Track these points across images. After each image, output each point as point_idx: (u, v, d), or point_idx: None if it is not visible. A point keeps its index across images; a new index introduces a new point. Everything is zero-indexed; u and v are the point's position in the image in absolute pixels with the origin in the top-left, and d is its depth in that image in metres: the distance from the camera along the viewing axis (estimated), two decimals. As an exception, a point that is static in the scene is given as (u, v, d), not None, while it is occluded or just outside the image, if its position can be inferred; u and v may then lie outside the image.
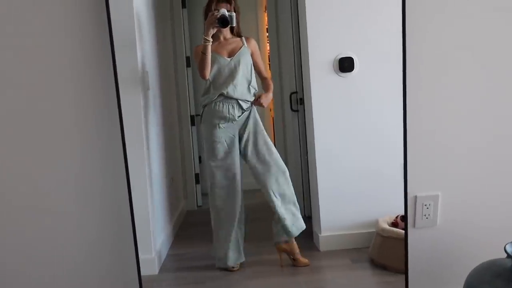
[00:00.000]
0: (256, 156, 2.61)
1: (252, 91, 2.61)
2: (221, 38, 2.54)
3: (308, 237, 2.70)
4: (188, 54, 3.52)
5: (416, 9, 2.07)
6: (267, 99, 2.62)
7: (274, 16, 3.41)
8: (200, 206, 3.55)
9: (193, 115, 3.56)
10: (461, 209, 2.32)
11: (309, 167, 2.75)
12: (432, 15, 2.14)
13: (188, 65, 3.53)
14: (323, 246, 2.58)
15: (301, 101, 2.88)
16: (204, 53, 2.44)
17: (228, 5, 2.47)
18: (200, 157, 3.73)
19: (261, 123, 2.66)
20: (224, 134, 2.62)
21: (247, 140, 2.62)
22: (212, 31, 2.41)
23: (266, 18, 3.57)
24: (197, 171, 3.59)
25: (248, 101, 2.56)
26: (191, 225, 3.15)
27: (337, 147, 2.50)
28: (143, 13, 2.62)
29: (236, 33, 2.57)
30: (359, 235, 2.54)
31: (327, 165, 2.54)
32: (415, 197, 2.26)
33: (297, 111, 2.92)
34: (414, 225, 2.25)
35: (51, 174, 2.24)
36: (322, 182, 2.56)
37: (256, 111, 2.63)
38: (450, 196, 2.28)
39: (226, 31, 2.54)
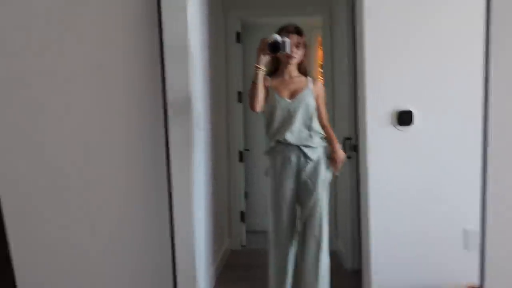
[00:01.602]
0: (303, 220, 2.30)
1: (316, 137, 2.26)
2: (286, 76, 2.27)
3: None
4: (240, 89, 3.44)
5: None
6: (339, 157, 2.29)
7: (330, 54, 3.28)
8: (244, 246, 3.43)
9: (242, 151, 3.47)
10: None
11: (361, 221, 2.57)
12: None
13: (239, 100, 3.44)
14: (371, 307, 2.38)
15: (355, 148, 2.72)
16: (254, 82, 2.13)
17: (296, 36, 2.22)
18: (246, 193, 3.63)
19: (323, 180, 2.27)
20: (286, 183, 2.28)
21: (301, 197, 2.30)
22: (264, 58, 2.09)
23: (321, 54, 3.44)
24: (243, 208, 3.48)
25: (311, 146, 2.25)
26: (235, 266, 3.02)
27: (393, 202, 2.29)
28: (197, 51, 2.51)
29: (303, 71, 2.29)
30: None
31: (381, 222, 2.33)
32: None
33: (350, 157, 2.76)
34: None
35: (93, 212, 2.14)
36: (375, 236, 2.34)
37: (322, 163, 2.27)
38: None
39: (293, 69, 2.27)
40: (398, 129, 2.22)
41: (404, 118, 2.21)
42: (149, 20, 2.05)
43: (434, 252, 2.23)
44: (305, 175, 2.24)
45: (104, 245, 2.16)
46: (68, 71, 2.10)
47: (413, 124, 2.21)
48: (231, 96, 3.41)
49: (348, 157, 2.69)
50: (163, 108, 2.04)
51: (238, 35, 3.44)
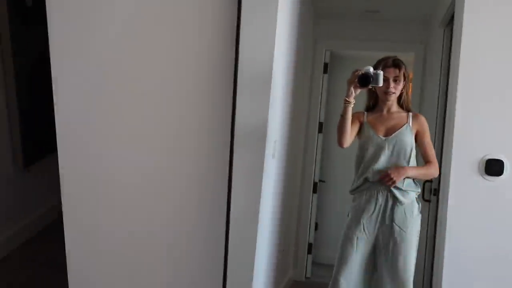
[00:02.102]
0: (384, 270, 2.11)
1: (409, 179, 2.09)
2: (384, 111, 2.13)
3: None
4: (322, 120, 3.37)
5: None
6: (399, 174, 2.07)
7: (419, 93, 3.14)
8: (308, 277, 3.33)
9: (316, 182, 3.39)
10: None
11: (433, 270, 2.40)
12: None
13: (320, 131, 3.38)
14: None
15: (435, 191, 2.56)
16: (342, 115, 2.03)
17: (397, 70, 2.09)
18: (316, 224, 3.54)
19: (411, 230, 2.09)
20: (365, 221, 2.12)
21: (384, 245, 2.11)
22: (354, 91, 1.98)
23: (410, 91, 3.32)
24: (311, 240, 3.39)
25: (402, 189, 2.08)
26: (297, 300, 2.93)
27: (470, 261, 2.12)
28: (280, 79, 2.49)
29: (404, 106, 2.15)
30: None
31: (455, 273, 2.16)
32: None
33: (429, 201, 2.60)
34: None
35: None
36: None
37: (415, 210, 2.12)
38: None
39: (393, 104, 2.14)
40: (485, 179, 2.06)
41: (493, 167, 2.06)
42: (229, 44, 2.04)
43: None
44: (391, 219, 2.07)
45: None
46: (142, 85, 2.13)
47: (503, 174, 2.05)
48: (312, 126, 3.36)
49: (427, 200, 2.53)
50: (230, 134, 2.03)
51: (325, 66, 3.39)
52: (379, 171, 2.07)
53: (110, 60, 2.11)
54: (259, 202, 2.16)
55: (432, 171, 2.10)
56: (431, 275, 2.40)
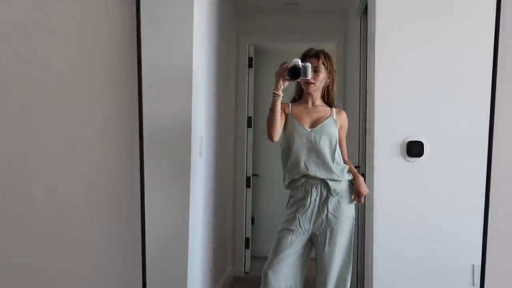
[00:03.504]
0: (323, 260, 2.04)
1: (339, 169, 2.04)
2: (309, 104, 2.07)
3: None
4: (250, 115, 3.36)
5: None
6: (364, 192, 2.06)
7: (342, 81, 3.18)
8: (247, 272, 3.31)
9: (249, 176, 3.37)
10: None
11: (365, 248, 2.44)
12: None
13: (249, 125, 3.36)
14: None
15: (363, 177, 2.60)
16: (271, 109, 1.96)
17: (316, 60, 2.03)
18: (253, 219, 3.52)
19: (346, 217, 2.04)
20: (302, 224, 2.04)
21: (321, 236, 2.05)
22: (282, 84, 1.91)
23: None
24: (248, 235, 3.37)
25: (335, 180, 2.03)
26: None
27: (399, 236, 2.15)
28: (203, 71, 2.44)
29: (329, 101, 2.11)
30: None
31: (385, 250, 2.19)
32: None
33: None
34: None
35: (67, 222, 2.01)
36: (378, 268, 2.21)
37: (345, 196, 2.05)
38: None
39: (317, 97, 2.08)
40: (407, 160, 2.10)
41: (414, 149, 2.10)
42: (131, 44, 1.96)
43: (438, 285, 2.08)
44: (325, 210, 2.04)
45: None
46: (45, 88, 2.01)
47: (423, 155, 2.09)
48: (241, 121, 3.33)
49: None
50: (139, 136, 1.92)
51: (250, 60, 3.37)
52: (311, 164, 2.05)
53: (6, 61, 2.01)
54: (188, 201, 2.10)
55: (354, 168, 2.12)
56: (363, 252, 2.44)
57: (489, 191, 1.72)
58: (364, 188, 2.06)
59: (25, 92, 2.02)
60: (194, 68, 2.10)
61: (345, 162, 2.10)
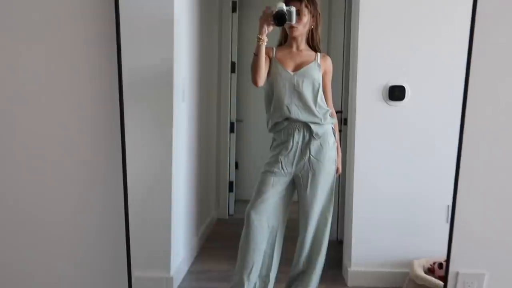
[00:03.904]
0: (305, 201, 2.14)
1: (322, 112, 2.08)
2: (294, 48, 2.10)
3: (336, 267, 2.45)
4: (234, 59, 3.32)
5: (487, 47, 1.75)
6: (339, 169, 2.17)
7: (327, 26, 3.16)
8: (231, 215, 3.37)
9: (233, 122, 3.37)
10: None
11: (346, 192, 2.51)
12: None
13: (232, 70, 3.33)
14: (351, 282, 2.32)
15: (345, 121, 2.63)
16: (256, 54, 1.98)
17: (298, 4, 2.02)
18: (236, 163, 3.55)
19: (328, 160, 2.12)
20: (285, 166, 2.10)
21: (303, 178, 2.12)
22: (267, 29, 1.93)
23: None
24: (232, 179, 3.41)
25: (317, 123, 2.08)
26: (220, 236, 2.96)
27: (378, 178, 2.24)
28: (185, 17, 2.40)
29: (313, 45, 2.11)
30: (391, 274, 2.26)
31: (365, 194, 2.28)
32: (457, 273, 1.87)
33: (340, 131, 2.67)
34: (452, 304, 1.84)
35: (45, 174, 1.94)
36: (358, 211, 2.30)
37: (327, 139, 2.11)
38: (499, 278, 1.87)
39: (302, 41, 2.10)
40: (388, 104, 2.13)
41: (396, 93, 2.13)
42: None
43: (416, 225, 2.18)
44: (309, 153, 2.09)
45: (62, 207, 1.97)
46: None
47: (404, 99, 2.13)
48: (224, 66, 3.30)
49: (339, 131, 2.60)
50: (118, 81, 1.84)
51: (234, 4, 3.30)
52: (294, 107, 2.07)
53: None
54: (171, 145, 2.12)
55: (335, 118, 2.16)
56: (344, 196, 2.51)
57: (462, 136, 1.76)
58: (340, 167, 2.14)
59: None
60: (176, 12, 2.08)
61: (330, 110, 2.13)
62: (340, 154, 2.13)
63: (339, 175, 2.22)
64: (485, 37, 1.72)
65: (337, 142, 2.13)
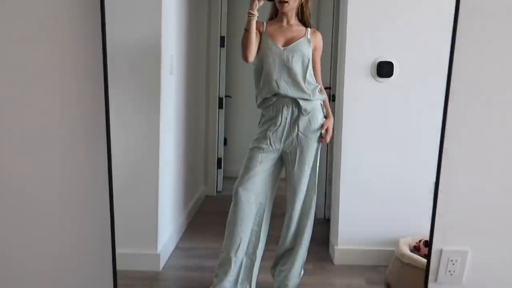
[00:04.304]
0: (293, 178, 2.13)
1: (311, 88, 2.06)
2: (284, 23, 2.07)
3: (323, 245, 2.45)
4: (223, 34, 3.27)
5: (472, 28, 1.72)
6: (330, 130, 2.12)
7: (317, 1, 3.11)
8: (220, 191, 3.36)
9: (222, 97, 3.34)
10: (494, 270, 1.92)
11: (333, 168, 2.50)
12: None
13: (222, 45, 3.28)
14: (338, 260, 2.33)
15: (334, 97, 2.61)
16: (246, 29, 1.96)
17: None
18: (225, 139, 3.53)
19: (316, 136, 2.11)
20: (273, 142, 2.09)
21: (291, 154, 2.11)
22: (258, 3, 1.91)
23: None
24: (220, 155, 3.39)
25: (306, 99, 2.05)
26: (208, 213, 2.96)
27: (365, 154, 2.22)
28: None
29: (304, 20, 2.09)
30: (377, 252, 2.27)
31: (352, 170, 2.27)
32: (441, 250, 1.86)
33: (329, 107, 2.65)
34: (435, 280, 1.87)
35: (32, 155, 1.89)
36: (345, 187, 2.30)
37: (316, 115, 2.10)
38: (482, 254, 1.88)
39: (292, 16, 2.07)
40: (377, 80, 2.11)
41: (384, 69, 2.10)
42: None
43: (403, 203, 2.18)
44: (297, 129, 2.08)
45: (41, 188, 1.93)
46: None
47: (392, 76, 2.11)
48: (213, 40, 3.25)
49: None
50: (102, 55, 1.77)
51: (223, -22, 3.24)
52: (283, 82, 2.05)
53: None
54: (158, 119, 2.10)
55: (326, 95, 2.14)
56: (332, 173, 2.50)
57: (446, 113, 1.75)
58: (331, 121, 2.11)
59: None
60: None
61: (318, 84, 2.10)
62: (332, 120, 2.12)
63: (327, 144, 2.21)
64: (470, 11, 1.69)
65: (330, 113, 2.12)
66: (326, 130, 2.10)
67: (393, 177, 2.19)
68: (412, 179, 2.17)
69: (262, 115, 2.13)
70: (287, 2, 2.04)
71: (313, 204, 2.13)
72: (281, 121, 2.06)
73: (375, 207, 2.24)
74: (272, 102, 2.07)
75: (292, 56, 2.04)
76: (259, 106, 2.13)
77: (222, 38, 3.25)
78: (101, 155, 1.84)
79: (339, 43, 2.24)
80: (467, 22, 1.70)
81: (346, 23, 2.10)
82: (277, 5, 2.07)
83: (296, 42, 2.05)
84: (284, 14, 2.08)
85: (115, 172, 1.85)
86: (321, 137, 2.10)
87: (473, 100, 1.79)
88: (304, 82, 2.06)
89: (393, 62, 2.09)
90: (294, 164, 2.10)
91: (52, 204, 1.91)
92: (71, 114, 1.86)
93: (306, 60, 2.06)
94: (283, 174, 2.21)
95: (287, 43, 2.06)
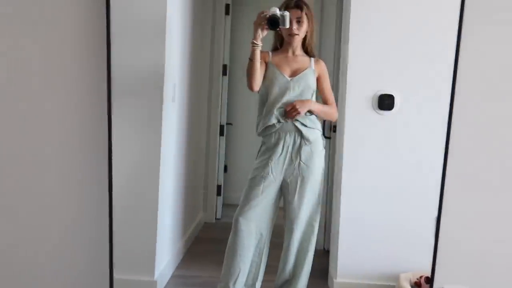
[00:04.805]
0: (292, 207, 2.09)
1: (313, 118, 2.07)
2: (290, 53, 2.09)
3: (322, 278, 2.43)
4: (226, 62, 3.31)
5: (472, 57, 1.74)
6: (303, 104, 2.04)
7: (318, 33, 3.15)
8: (219, 219, 3.34)
9: (223, 125, 3.36)
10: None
11: (333, 201, 2.49)
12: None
13: (224, 73, 3.32)
14: (336, 293, 2.31)
15: (335, 128, 2.62)
16: (251, 59, 1.97)
17: (299, 11, 2.02)
18: (226, 167, 3.53)
19: (317, 167, 2.09)
20: (274, 171, 2.07)
21: (292, 184, 2.09)
22: (261, 34, 1.93)
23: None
24: (220, 182, 3.39)
25: (308, 127, 2.06)
26: (207, 240, 2.94)
27: (366, 186, 2.22)
28: (178, 17, 2.38)
29: (308, 50, 2.11)
30: (377, 287, 2.24)
31: (352, 202, 2.26)
32: None
33: (329, 138, 2.66)
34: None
35: (33, 183, 1.90)
36: (345, 221, 2.29)
37: (317, 146, 2.09)
38: None
39: (297, 46, 2.09)
40: (378, 113, 2.12)
41: (385, 102, 2.12)
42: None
43: (403, 238, 2.16)
44: (298, 158, 2.06)
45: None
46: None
47: (393, 109, 2.12)
48: (216, 69, 3.29)
49: (327, 137, 2.59)
50: (107, 81, 1.81)
51: (227, 7, 3.29)
52: (284, 110, 2.06)
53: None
54: (159, 145, 2.10)
55: (333, 111, 2.13)
56: (332, 207, 2.49)
57: (448, 149, 1.75)
58: (300, 104, 2.03)
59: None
60: (168, 13, 2.06)
61: (330, 106, 2.13)
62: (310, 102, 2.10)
63: (328, 175, 2.20)
64: (471, 50, 1.72)
65: (319, 105, 2.12)
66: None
67: (394, 210, 2.18)
68: (413, 214, 2.16)
69: (263, 143, 2.14)
70: (297, 35, 2.07)
71: (314, 235, 2.11)
72: (283, 149, 2.07)
73: (376, 240, 2.22)
74: (274, 130, 2.07)
75: (298, 88, 2.06)
76: (260, 133, 2.13)
77: (224, 66, 3.29)
78: (102, 179, 1.85)
79: (340, 75, 2.26)
80: (469, 60, 1.71)
81: (347, 55, 2.12)
82: (286, 37, 2.10)
83: (302, 73, 2.08)
84: (290, 45, 2.11)
85: (114, 197, 1.84)
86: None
87: (475, 138, 1.79)
88: (308, 112, 2.08)
89: (394, 95, 2.11)
90: (295, 193, 2.09)
91: (51, 230, 1.90)
92: (74, 139, 1.87)
93: (311, 91, 2.08)
94: (281, 203, 2.21)
95: (293, 73, 2.09)
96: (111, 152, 1.81)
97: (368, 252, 2.21)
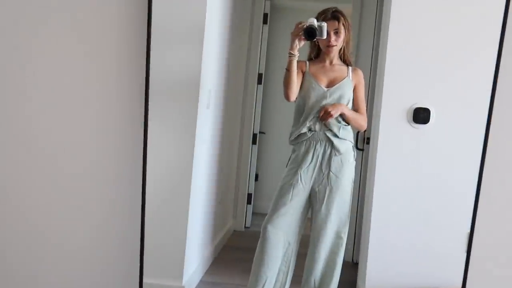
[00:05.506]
0: (320, 217, 2.10)
1: (346, 129, 2.09)
2: (327, 62, 2.11)
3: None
4: (262, 71, 3.33)
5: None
6: (336, 108, 2.05)
7: (355, 45, 3.14)
8: (248, 227, 3.35)
9: (256, 133, 3.37)
10: None
11: (364, 212, 2.47)
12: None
13: (259, 82, 3.34)
14: (365, 309, 2.28)
15: (368, 140, 2.60)
16: (288, 69, 2.00)
17: (336, 23, 2.04)
18: (257, 175, 3.54)
19: (347, 178, 2.11)
20: (303, 179, 2.09)
21: (320, 193, 2.11)
22: (298, 44, 1.95)
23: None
24: (251, 191, 3.40)
25: (340, 138, 2.08)
26: (235, 248, 2.95)
27: (398, 200, 2.19)
28: (216, 25, 2.42)
29: (345, 59, 2.13)
30: (407, 303, 2.22)
31: (383, 216, 2.23)
32: None
33: (363, 150, 2.64)
34: None
35: (64, 178, 2.00)
36: (375, 233, 2.25)
37: (348, 157, 2.11)
38: None
39: (334, 56, 2.11)
40: (412, 126, 2.10)
41: (421, 115, 2.10)
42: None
43: (434, 252, 2.12)
44: (328, 168, 2.08)
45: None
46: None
47: (429, 122, 2.09)
48: (251, 77, 3.31)
49: (360, 149, 2.57)
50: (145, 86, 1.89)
51: (265, 16, 3.32)
52: (322, 123, 2.07)
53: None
54: (192, 152, 2.13)
55: (362, 119, 2.14)
56: (362, 218, 2.47)
57: (483, 164, 1.73)
58: (332, 108, 2.05)
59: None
60: (207, 21, 2.09)
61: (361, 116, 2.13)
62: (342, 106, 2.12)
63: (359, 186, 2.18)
64: (510, 67, 1.69)
65: (351, 111, 2.13)
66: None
67: (426, 224, 2.15)
68: (445, 228, 2.12)
69: (293, 151, 2.15)
70: (335, 45, 2.08)
71: (342, 247, 2.10)
72: (313, 158, 2.08)
73: (406, 254, 2.19)
74: (306, 138, 2.09)
75: (334, 98, 2.07)
76: (292, 142, 2.15)
77: (260, 75, 3.31)
78: (135, 183, 1.89)
79: (376, 86, 2.25)
80: (508, 77, 1.69)
81: (384, 67, 2.11)
82: (324, 48, 2.11)
83: (339, 84, 2.09)
84: (327, 55, 2.12)
85: (146, 201, 1.88)
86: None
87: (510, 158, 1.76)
88: (341, 122, 2.08)
89: (430, 109, 2.08)
90: (322, 203, 2.09)
91: (84, 232, 1.96)
92: (110, 142, 1.93)
93: (346, 102, 2.09)
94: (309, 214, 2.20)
95: (330, 84, 2.10)
96: (146, 157, 1.85)
97: (397, 266, 2.18)
